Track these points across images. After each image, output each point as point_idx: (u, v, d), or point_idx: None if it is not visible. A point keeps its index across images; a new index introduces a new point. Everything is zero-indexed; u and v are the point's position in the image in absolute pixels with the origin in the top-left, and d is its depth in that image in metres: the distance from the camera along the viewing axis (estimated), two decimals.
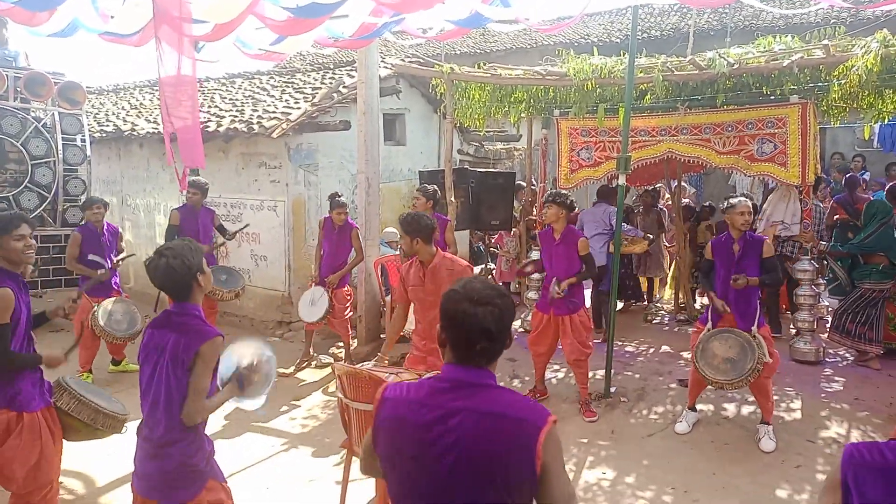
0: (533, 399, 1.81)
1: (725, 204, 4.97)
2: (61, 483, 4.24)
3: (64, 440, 3.46)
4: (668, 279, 8.98)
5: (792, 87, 6.20)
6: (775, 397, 5.46)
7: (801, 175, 6.17)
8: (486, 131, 9.80)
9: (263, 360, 2.94)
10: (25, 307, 3.21)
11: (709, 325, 4.90)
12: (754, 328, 4.71)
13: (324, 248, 6.72)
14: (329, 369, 6.59)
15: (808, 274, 6.47)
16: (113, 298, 6.04)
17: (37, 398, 3.25)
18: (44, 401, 3.30)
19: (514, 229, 8.76)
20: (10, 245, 3.14)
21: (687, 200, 9.56)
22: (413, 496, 1.78)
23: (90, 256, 6.13)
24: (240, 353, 2.94)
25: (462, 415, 1.70)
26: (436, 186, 6.74)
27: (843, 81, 5.89)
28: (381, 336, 7.12)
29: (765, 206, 7.26)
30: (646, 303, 8.81)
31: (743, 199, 4.97)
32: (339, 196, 6.67)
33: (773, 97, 6.33)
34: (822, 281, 7.07)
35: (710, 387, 5.01)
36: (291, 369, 6.61)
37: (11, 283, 3.12)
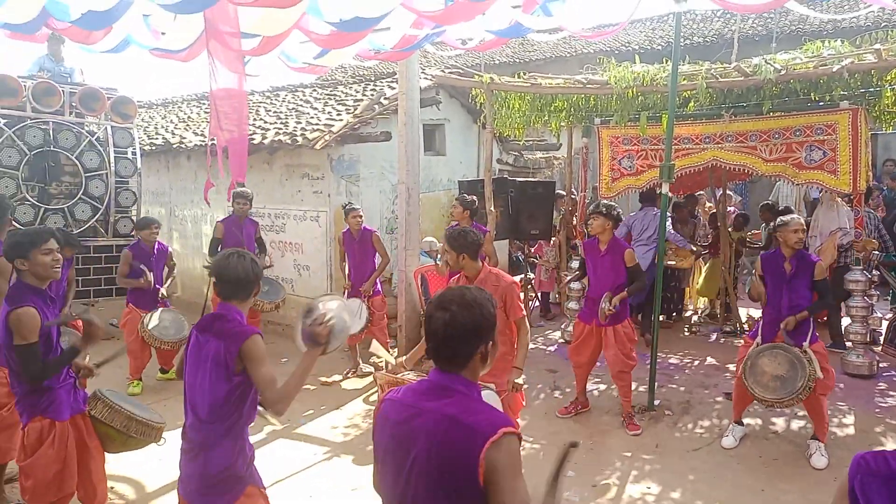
0: (501, 411, 1.84)
1: (777, 221, 4.82)
2: (112, 488, 4.37)
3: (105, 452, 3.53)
4: (694, 288, 8.84)
5: (842, 92, 6.03)
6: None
7: (852, 183, 5.99)
8: (526, 140, 9.78)
9: (321, 305, 2.78)
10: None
11: (758, 339, 4.78)
12: (805, 343, 4.57)
13: (349, 260, 6.79)
14: (370, 378, 6.64)
15: (861, 284, 6.27)
16: (161, 308, 6.23)
17: (69, 407, 3.32)
18: (76, 408, 3.36)
19: (553, 239, 8.70)
20: (39, 259, 3.17)
21: (732, 208, 9.37)
22: (386, 492, 1.90)
23: (139, 266, 6.28)
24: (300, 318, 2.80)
25: (424, 416, 1.78)
26: (474, 196, 6.75)
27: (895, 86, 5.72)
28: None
29: (812, 221, 7.03)
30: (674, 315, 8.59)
31: (796, 216, 4.84)
32: (350, 203, 6.82)
33: (821, 103, 6.17)
34: (875, 292, 6.82)
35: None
36: (336, 378, 6.69)
37: (37, 299, 3.16)
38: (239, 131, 5.48)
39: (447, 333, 1.80)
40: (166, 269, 6.58)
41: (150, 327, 5.99)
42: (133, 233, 7.31)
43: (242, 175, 5.57)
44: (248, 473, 2.77)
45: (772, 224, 5.31)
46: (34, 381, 3.17)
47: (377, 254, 6.75)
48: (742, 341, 5.05)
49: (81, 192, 7.68)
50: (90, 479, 3.43)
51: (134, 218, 7.92)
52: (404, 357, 4.18)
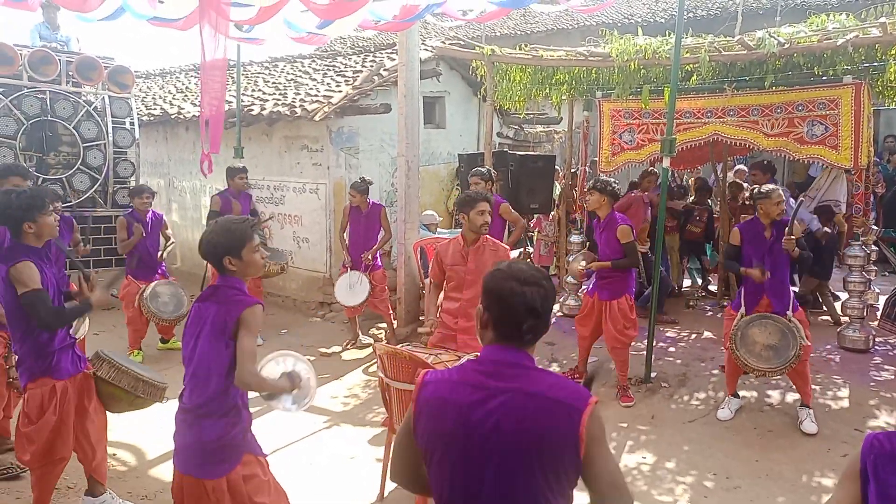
0: (573, 380, 1.81)
1: (757, 193, 4.85)
2: (114, 454, 4.43)
3: (108, 412, 3.56)
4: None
5: (846, 67, 5.98)
6: (820, 385, 5.36)
7: (853, 158, 5.96)
8: (527, 114, 9.71)
9: (310, 379, 2.96)
10: (52, 278, 3.28)
11: (742, 310, 4.81)
12: (789, 312, 4.63)
13: (351, 233, 6.81)
14: (370, 349, 6.69)
15: (859, 260, 6.29)
16: (160, 281, 6.24)
17: (69, 368, 3.35)
18: (76, 369, 3.39)
19: (553, 213, 8.69)
20: (46, 220, 3.25)
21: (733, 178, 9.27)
22: (455, 478, 1.73)
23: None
24: (296, 362, 2.98)
25: (504, 396, 1.68)
26: (490, 168, 6.73)
27: None
28: (420, 318, 7.18)
29: (812, 185, 7.09)
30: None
31: (777, 188, 4.86)
32: (361, 181, 6.70)
33: (824, 78, 6.12)
34: (872, 267, 6.85)
35: (750, 374, 4.93)
36: (336, 349, 6.75)
37: (34, 257, 3.20)
38: (219, 105, 5.50)
39: (545, 307, 1.74)
40: (162, 239, 6.56)
41: (149, 302, 6.00)
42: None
43: (217, 148, 5.59)
44: (244, 441, 2.77)
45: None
46: (50, 326, 3.20)
47: (381, 228, 6.78)
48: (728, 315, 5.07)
49: (80, 162, 7.65)
50: (88, 440, 3.46)
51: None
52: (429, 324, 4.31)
